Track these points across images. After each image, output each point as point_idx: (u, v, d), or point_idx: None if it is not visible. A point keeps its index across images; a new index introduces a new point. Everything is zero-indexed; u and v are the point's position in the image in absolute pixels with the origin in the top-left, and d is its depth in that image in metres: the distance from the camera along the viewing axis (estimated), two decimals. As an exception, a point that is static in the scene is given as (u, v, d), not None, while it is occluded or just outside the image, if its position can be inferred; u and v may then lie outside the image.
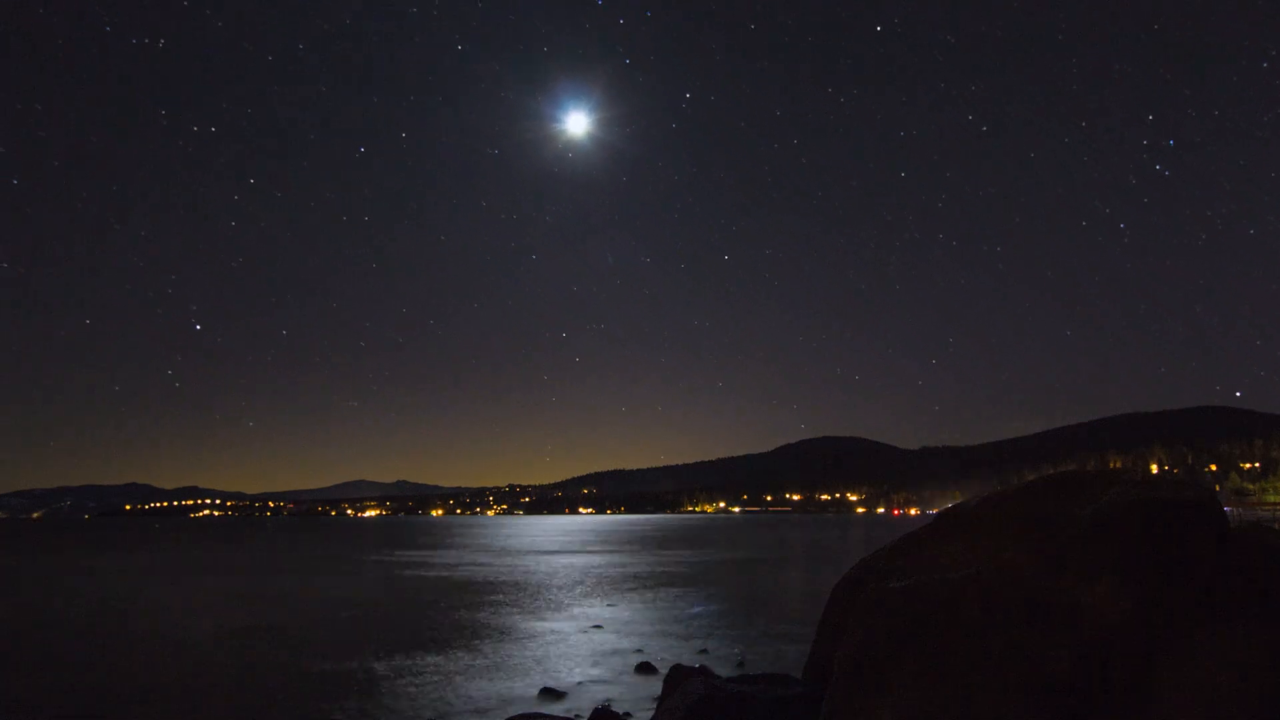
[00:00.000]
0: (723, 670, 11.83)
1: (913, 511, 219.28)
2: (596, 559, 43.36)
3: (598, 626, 17.66)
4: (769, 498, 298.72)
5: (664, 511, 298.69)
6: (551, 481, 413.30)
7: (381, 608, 22.21)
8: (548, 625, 18.18)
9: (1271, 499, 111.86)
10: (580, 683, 12.07)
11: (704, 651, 14.64)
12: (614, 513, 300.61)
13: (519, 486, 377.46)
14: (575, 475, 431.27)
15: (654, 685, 11.43)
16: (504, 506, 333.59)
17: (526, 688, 11.77)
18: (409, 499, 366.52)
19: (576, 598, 23.65)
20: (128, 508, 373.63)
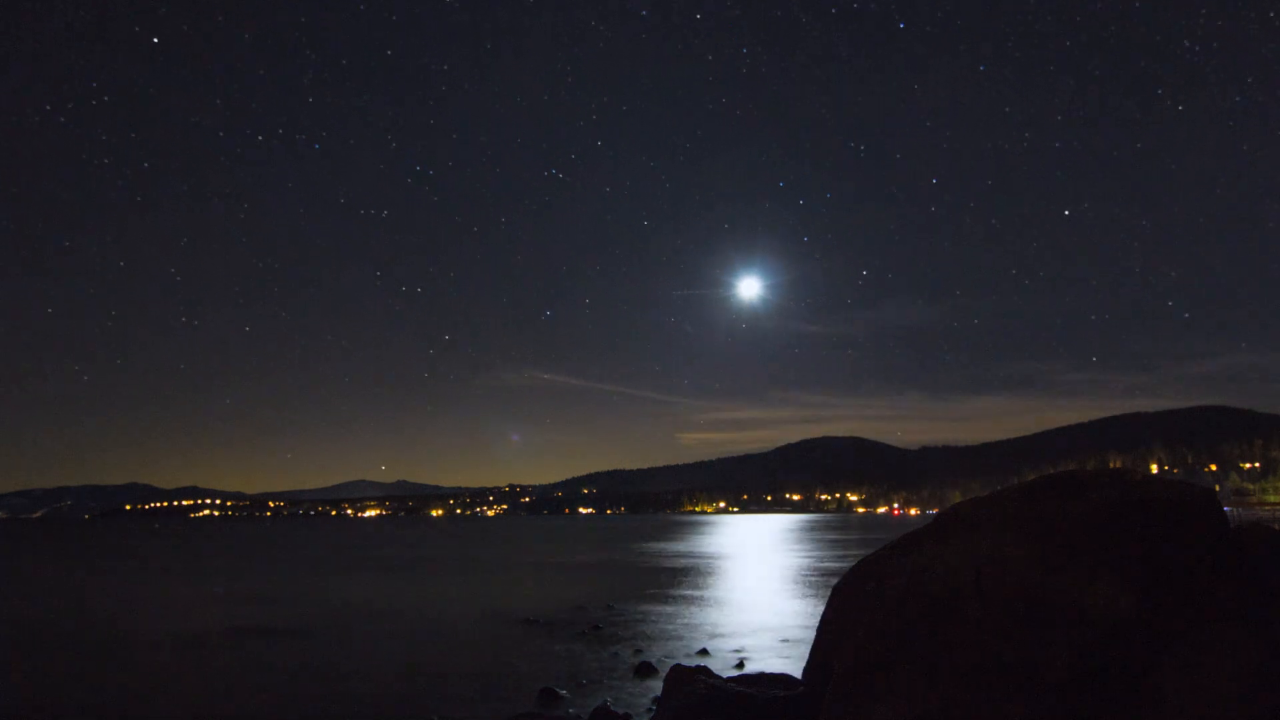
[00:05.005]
0: (723, 670, 11.83)
1: (913, 511, 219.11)
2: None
3: (596, 627, 17.66)
4: (769, 498, 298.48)
5: (664, 511, 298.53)
6: (551, 481, 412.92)
7: (393, 611, 22.21)
8: (547, 626, 18.19)
9: (1271, 499, 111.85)
10: (580, 683, 12.07)
11: (704, 651, 14.64)
12: (614, 513, 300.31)
13: (519, 486, 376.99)
14: (575, 475, 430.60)
15: (654, 685, 11.43)
16: (504, 507, 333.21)
17: (527, 688, 11.77)
18: (409, 499, 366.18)
19: (575, 598, 23.64)
20: (128, 508, 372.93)
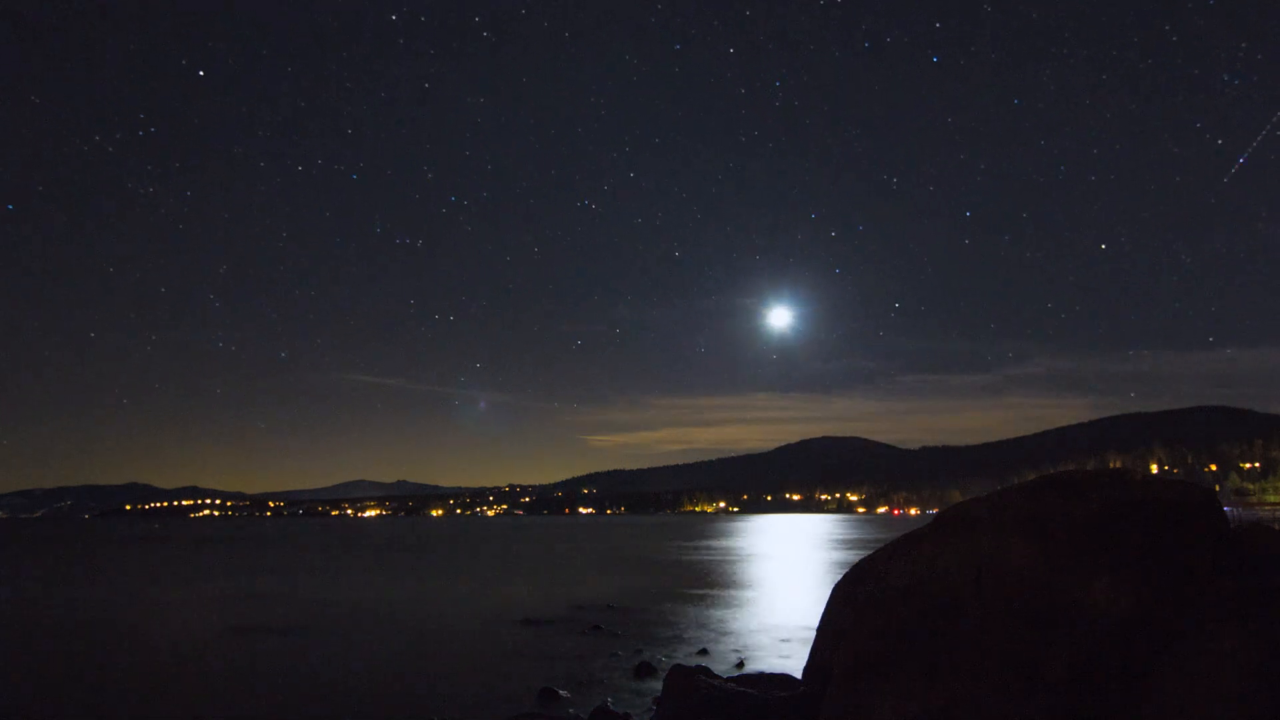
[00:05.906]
0: (723, 670, 11.83)
1: (913, 511, 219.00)
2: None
3: (596, 627, 17.66)
4: (769, 498, 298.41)
5: (664, 511, 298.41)
6: (551, 481, 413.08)
7: (393, 611, 22.21)
8: (547, 626, 18.18)
9: (1271, 499, 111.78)
10: (580, 683, 12.06)
11: (704, 651, 14.64)
12: (614, 513, 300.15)
13: (519, 486, 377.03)
14: (575, 475, 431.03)
15: (654, 685, 11.43)
16: (504, 507, 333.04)
17: (526, 688, 11.77)
18: (409, 499, 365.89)
19: (575, 598, 23.64)
20: (128, 508, 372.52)
